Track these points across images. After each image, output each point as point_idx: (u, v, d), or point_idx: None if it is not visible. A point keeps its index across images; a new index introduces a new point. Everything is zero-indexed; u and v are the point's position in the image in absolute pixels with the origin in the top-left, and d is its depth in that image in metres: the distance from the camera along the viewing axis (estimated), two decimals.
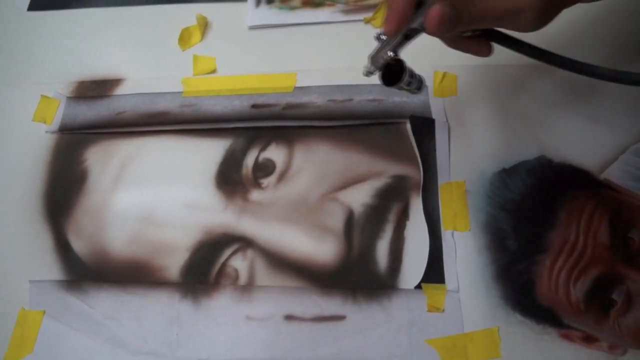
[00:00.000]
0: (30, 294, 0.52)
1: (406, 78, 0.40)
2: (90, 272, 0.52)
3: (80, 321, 0.50)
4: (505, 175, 0.51)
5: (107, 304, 0.50)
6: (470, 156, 0.52)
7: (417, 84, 0.41)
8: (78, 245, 0.53)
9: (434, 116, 0.54)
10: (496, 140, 0.53)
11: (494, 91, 0.55)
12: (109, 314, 0.50)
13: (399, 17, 0.36)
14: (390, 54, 0.38)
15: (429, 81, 0.55)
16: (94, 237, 0.53)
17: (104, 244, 0.53)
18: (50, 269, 0.53)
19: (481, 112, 0.54)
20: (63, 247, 0.53)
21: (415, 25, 0.36)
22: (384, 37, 0.38)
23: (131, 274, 0.51)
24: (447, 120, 0.53)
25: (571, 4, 0.38)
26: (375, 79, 0.56)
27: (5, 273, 0.53)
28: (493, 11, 0.35)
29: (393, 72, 0.39)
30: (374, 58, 0.40)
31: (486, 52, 0.40)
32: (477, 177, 0.51)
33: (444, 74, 0.55)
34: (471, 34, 0.39)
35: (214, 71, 0.58)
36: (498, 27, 0.37)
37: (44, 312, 0.51)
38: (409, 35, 0.37)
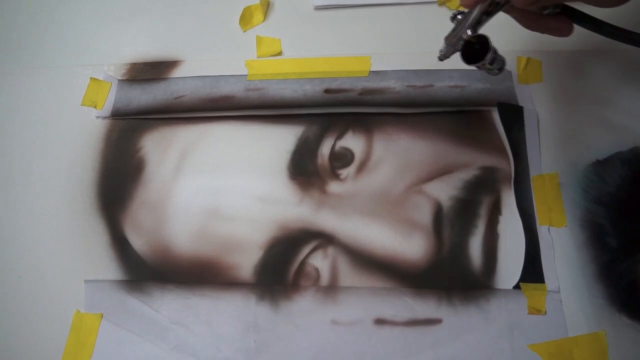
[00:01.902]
0: (85, 295, 0.44)
1: (490, 55, 0.34)
2: (152, 271, 0.45)
3: (143, 326, 0.43)
4: (600, 167, 0.45)
5: (173, 307, 0.43)
6: (560, 147, 0.46)
7: (500, 63, 0.36)
8: (136, 241, 0.45)
9: (520, 103, 0.47)
10: (586, 129, 0.47)
11: (581, 78, 0.48)
12: (175, 319, 0.43)
13: None
14: (469, 32, 0.34)
15: (511, 67, 0.48)
16: (153, 232, 0.45)
17: (165, 240, 0.45)
18: (107, 267, 0.45)
19: (569, 100, 0.48)
20: (120, 244, 0.46)
21: None
22: (460, 17, 0.35)
23: (199, 274, 0.44)
24: (535, 109, 0.46)
25: None
26: (456, 64, 0.49)
27: (58, 272, 0.45)
28: None
29: (473, 51, 0.34)
30: (450, 39, 0.35)
31: (567, 31, 0.36)
32: (570, 169, 0.45)
33: (528, 60, 0.49)
34: (551, 12, 0.36)
35: (279, 53, 0.51)
36: (581, 1, 0.34)
37: (102, 316, 0.44)
38: (489, 11, 0.34)
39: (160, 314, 0.43)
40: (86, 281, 0.44)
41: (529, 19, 0.37)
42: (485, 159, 0.45)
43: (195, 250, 0.45)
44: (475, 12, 0.34)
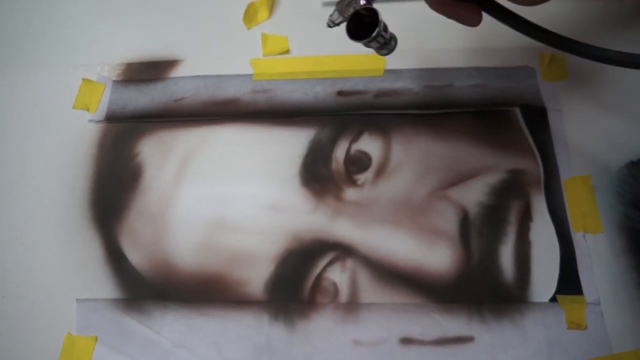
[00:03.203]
0: (77, 316, 0.39)
1: (378, 31, 0.30)
2: (151, 288, 0.39)
3: (143, 350, 0.38)
4: (635, 168, 0.41)
5: (176, 329, 0.38)
6: (590, 148, 0.42)
7: (392, 43, 0.32)
8: (134, 255, 0.40)
9: (545, 102, 0.43)
10: (618, 129, 0.43)
11: (609, 74, 0.44)
12: (179, 341, 0.38)
13: None
14: (363, 1, 0.30)
15: (534, 64, 0.44)
16: (153, 245, 0.40)
17: (166, 253, 0.40)
18: (102, 284, 0.40)
19: (596, 98, 0.44)
20: (116, 258, 0.41)
21: None
22: None
23: (204, 291, 0.39)
24: (561, 108, 0.42)
25: None
26: (478, 61, 0.45)
27: (46, 290, 0.40)
28: None
29: (363, 25, 0.30)
30: (341, 5, 0.31)
31: (475, 20, 0.33)
32: (602, 171, 0.41)
33: (551, 56, 0.44)
34: None
35: (286, 52, 0.46)
36: None
37: (96, 339, 0.39)
38: None
39: (162, 336, 0.38)
40: (78, 300, 0.39)
41: (437, 1, 0.33)
42: (511, 161, 0.41)
43: (199, 264, 0.40)
44: None
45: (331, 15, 0.32)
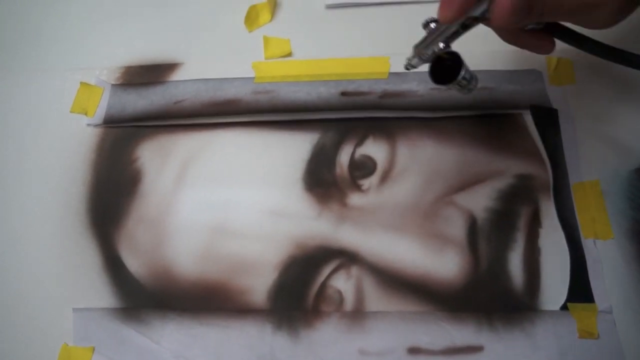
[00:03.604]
0: (74, 326, 0.38)
1: (463, 74, 0.30)
2: (151, 297, 0.38)
3: None
4: None
5: (177, 339, 0.37)
6: (600, 152, 0.41)
7: (473, 82, 0.32)
8: (133, 262, 0.39)
9: (553, 106, 0.42)
10: (627, 133, 0.42)
11: (618, 77, 0.43)
12: (179, 352, 0.37)
13: (460, 2, 0.27)
14: (442, 45, 0.30)
15: (542, 67, 0.43)
16: (152, 252, 0.39)
17: (166, 261, 0.39)
18: (99, 293, 0.39)
19: (605, 102, 0.43)
20: (114, 266, 0.39)
21: (477, 13, 0.29)
22: (433, 26, 0.31)
23: (205, 300, 0.38)
24: (569, 112, 0.42)
25: None
26: (485, 64, 0.44)
27: (42, 299, 0.39)
28: (570, 4, 0.29)
29: (443, 67, 0.31)
30: (419, 49, 0.32)
31: (549, 48, 0.33)
32: (612, 175, 0.40)
33: (558, 60, 0.43)
34: (534, 27, 0.32)
35: (289, 55, 0.45)
36: (569, 21, 0.31)
37: (94, 349, 0.37)
38: (466, 25, 0.30)
39: (161, 346, 0.37)
40: (75, 310, 0.38)
41: (509, 33, 0.33)
42: (519, 166, 0.40)
43: (200, 272, 0.38)
44: (453, 24, 0.30)
45: (409, 59, 0.33)
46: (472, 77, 0.32)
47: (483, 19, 0.30)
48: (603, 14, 0.30)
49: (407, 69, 0.34)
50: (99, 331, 0.37)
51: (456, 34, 0.31)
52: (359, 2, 0.47)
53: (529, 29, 0.33)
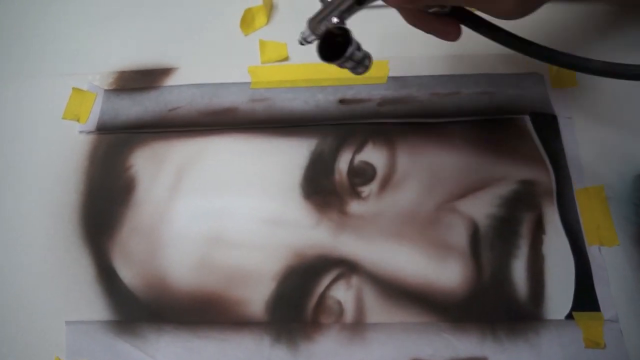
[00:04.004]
0: (67, 339, 0.37)
1: (351, 51, 0.28)
2: (145, 309, 0.37)
3: None
4: None
5: (173, 352, 0.36)
6: (603, 157, 0.40)
7: (364, 61, 0.30)
8: (127, 273, 0.38)
9: (555, 110, 0.41)
10: (631, 137, 0.41)
11: (621, 81, 0.42)
12: None
13: None
14: (335, 20, 0.29)
15: (543, 70, 0.42)
16: (147, 263, 0.38)
17: (160, 271, 0.38)
18: (92, 305, 0.38)
19: (609, 105, 0.42)
20: (107, 277, 0.38)
21: None
22: None
23: (201, 312, 0.37)
24: (571, 116, 0.41)
25: None
26: (485, 67, 0.43)
27: (35, 312, 0.38)
28: None
29: (335, 44, 0.28)
30: (313, 23, 0.30)
31: (454, 35, 0.31)
32: (616, 181, 0.39)
33: None
34: (438, 11, 0.30)
35: (285, 59, 0.44)
36: (471, 6, 0.29)
37: None
38: (361, 1, 0.28)
39: None
40: (67, 323, 0.37)
41: (411, 14, 0.31)
42: (522, 171, 0.39)
43: (196, 283, 0.37)
44: None
45: (303, 33, 0.31)
46: (365, 55, 0.30)
47: None
48: (506, 2, 0.28)
49: (302, 44, 0.31)
50: (93, 345, 0.36)
51: (351, 9, 0.29)
52: None
53: (433, 13, 0.31)
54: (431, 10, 0.31)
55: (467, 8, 0.30)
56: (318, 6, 0.46)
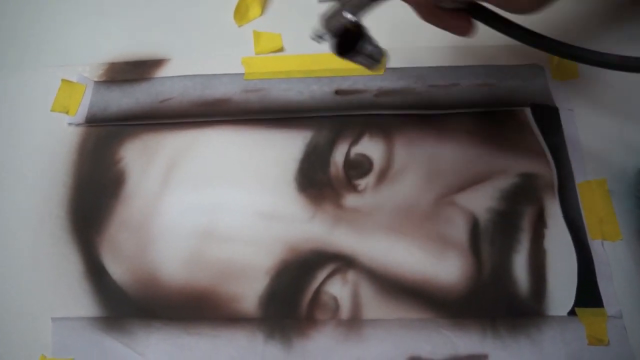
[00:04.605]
0: (53, 336, 0.36)
1: (365, 46, 0.29)
2: (135, 305, 0.36)
3: None
4: None
5: (163, 349, 0.35)
6: (606, 149, 0.40)
7: (377, 56, 0.30)
8: (116, 269, 0.37)
9: (556, 102, 0.41)
10: (634, 129, 0.40)
11: (622, 73, 0.41)
12: None
13: None
14: (349, 16, 0.28)
15: (543, 62, 0.42)
16: (137, 258, 0.37)
17: (151, 267, 0.37)
18: (80, 302, 0.37)
19: (611, 97, 0.41)
20: (96, 273, 0.37)
21: None
22: None
23: (192, 308, 0.36)
24: (573, 108, 0.40)
25: None
26: (484, 59, 0.42)
27: (20, 308, 0.37)
28: None
29: (349, 40, 0.29)
30: (328, 19, 0.30)
31: (467, 30, 0.31)
32: (619, 174, 0.39)
33: None
34: (452, 7, 0.30)
35: (280, 50, 0.43)
36: (488, 2, 0.29)
37: None
38: None
39: (146, 358, 0.35)
40: (54, 319, 0.36)
41: (425, 10, 0.31)
42: (522, 164, 0.38)
43: (187, 279, 0.36)
44: None
45: (316, 30, 0.30)
46: (381, 52, 0.30)
47: None
48: None
49: (316, 40, 0.31)
50: (80, 342, 0.35)
51: (364, 5, 0.29)
52: None
53: (449, 9, 0.30)
54: (445, 6, 0.30)
55: (482, 3, 0.30)
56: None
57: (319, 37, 0.31)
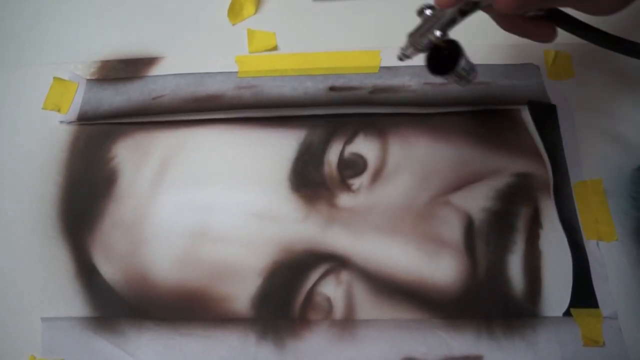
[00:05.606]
0: (42, 337, 0.36)
1: (462, 65, 0.29)
2: (126, 305, 0.36)
3: None
4: None
5: (154, 350, 0.35)
6: (601, 149, 0.39)
7: (473, 74, 0.30)
8: (107, 269, 0.37)
9: (552, 101, 0.40)
10: (631, 129, 0.40)
11: (620, 71, 0.42)
12: None
13: None
14: (438, 33, 0.28)
15: (539, 61, 0.41)
16: (128, 258, 0.37)
17: (143, 267, 0.36)
18: (70, 301, 0.36)
19: (607, 96, 0.41)
20: (87, 272, 0.37)
21: None
22: (429, 13, 0.29)
23: (184, 308, 0.35)
24: (569, 107, 0.40)
25: None
26: (480, 57, 0.42)
27: (9, 308, 0.36)
28: None
29: (441, 57, 0.29)
30: (414, 38, 0.30)
31: (550, 36, 0.32)
32: (615, 174, 0.38)
33: (556, 53, 0.42)
34: (534, 14, 0.31)
35: (274, 48, 0.43)
36: (574, 7, 0.30)
37: None
38: (464, 11, 0.29)
39: (137, 358, 0.34)
40: (44, 319, 0.36)
41: (508, 21, 0.31)
42: (518, 164, 0.38)
43: (179, 279, 0.36)
44: (450, 10, 0.28)
45: (403, 49, 0.31)
46: (472, 67, 0.30)
47: (482, 4, 0.28)
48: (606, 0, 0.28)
49: (401, 59, 0.32)
50: (70, 342, 0.35)
51: (453, 21, 0.29)
52: None
53: (530, 17, 0.31)
54: (529, 15, 0.31)
55: (562, 9, 0.30)
56: None
57: (404, 56, 0.31)
